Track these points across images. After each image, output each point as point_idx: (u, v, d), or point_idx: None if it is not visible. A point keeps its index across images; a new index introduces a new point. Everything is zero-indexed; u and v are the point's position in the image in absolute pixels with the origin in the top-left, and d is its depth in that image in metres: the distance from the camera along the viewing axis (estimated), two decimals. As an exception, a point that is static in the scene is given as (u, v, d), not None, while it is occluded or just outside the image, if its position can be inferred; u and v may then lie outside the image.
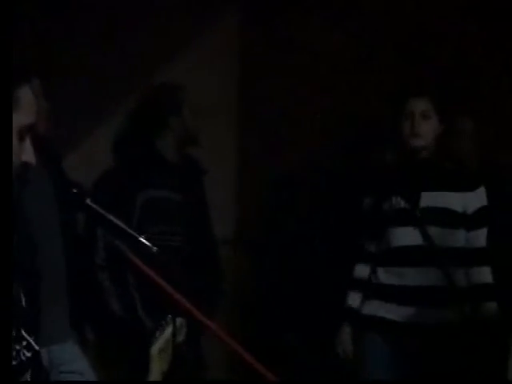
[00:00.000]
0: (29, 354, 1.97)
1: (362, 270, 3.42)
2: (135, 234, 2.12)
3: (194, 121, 3.71)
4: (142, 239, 2.11)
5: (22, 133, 1.91)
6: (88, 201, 2.11)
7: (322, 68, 4.60)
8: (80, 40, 3.87)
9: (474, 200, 3.25)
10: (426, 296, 3.31)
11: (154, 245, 2.13)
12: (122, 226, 2.11)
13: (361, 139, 4.26)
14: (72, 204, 2.17)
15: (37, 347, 2.02)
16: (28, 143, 1.92)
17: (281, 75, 4.67)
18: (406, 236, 3.29)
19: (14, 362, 1.94)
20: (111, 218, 2.11)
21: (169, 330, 2.34)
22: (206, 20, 4.57)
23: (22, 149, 1.90)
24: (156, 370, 2.34)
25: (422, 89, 3.42)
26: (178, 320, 2.33)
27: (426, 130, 3.22)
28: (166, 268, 2.30)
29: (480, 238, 3.27)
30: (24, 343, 1.97)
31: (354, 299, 3.40)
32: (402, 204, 3.26)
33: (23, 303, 2.02)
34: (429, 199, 3.26)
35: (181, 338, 2.38)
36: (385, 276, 3.35)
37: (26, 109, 1.93)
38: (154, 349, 2.32)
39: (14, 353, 1.95)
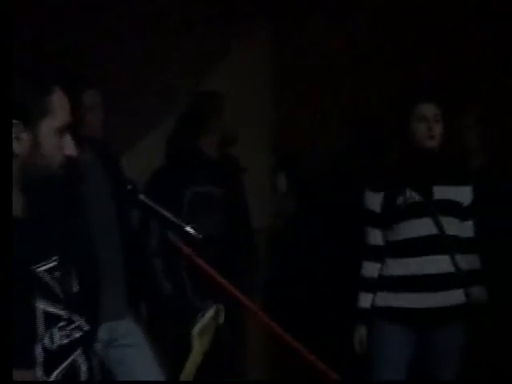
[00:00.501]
0: (78, 334, 2.06)
1: (371, 268, 3.39)
2: (182, 224, 2.16)
3: (233, 124, 3.88)
4: (188, 228, 2.16)
5: (59, 132, 1.99)
6: (141, 196, 2.18)
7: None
8: (132, 52, 3.86)
9: (469, 194, 3.36)
10: (442, 282, 3.32)
11: (199, 234, 2.16)
12: (171, 217, 2.16)
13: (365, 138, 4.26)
14: (127, 199, 2.22)
15: (86, 327, 2.10)
16: (68, 139, 2.01)
17: (307, 80, 4.63)
18: (423, 227, 3.31)
19: (66, 341, 2.03)
20: (161, 210, 2.16)
21: (210, 313, 2.44)
22: (241, 36, 4.59)
23: (62, 145, 2.00)
24: (197, 349, 2.44)
25: (431, 95, 3.45)
26: (219, 304, 2.42)
27: (438, 132, 3.31)
28: (209, 253, 2.33)
29: (472, 228, 3.36)
30: (75, 325, 2.06)
31: (365, 300, 3.38)
32: (417, 198, 3.31)
33: (74, 289, 2.11)
34: (440, 192, 3.33)
35: (221, 320, 2.47)
36: (400, 267, 3.35)
37: (59, 111, 2.00)
38: (195, 330, 2.42)
39: (67, 332, 2.03)
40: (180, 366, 2.38)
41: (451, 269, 3.34)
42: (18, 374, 1.87)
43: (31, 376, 1.93)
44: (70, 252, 2.09)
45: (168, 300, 3.75)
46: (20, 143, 1.95)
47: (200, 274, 2.28)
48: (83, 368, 2.07)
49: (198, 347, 2.41)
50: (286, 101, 4.78)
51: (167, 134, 3.95)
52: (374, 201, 3.39)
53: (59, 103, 1.99)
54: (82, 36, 3.68)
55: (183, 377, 2.35)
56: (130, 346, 3.40)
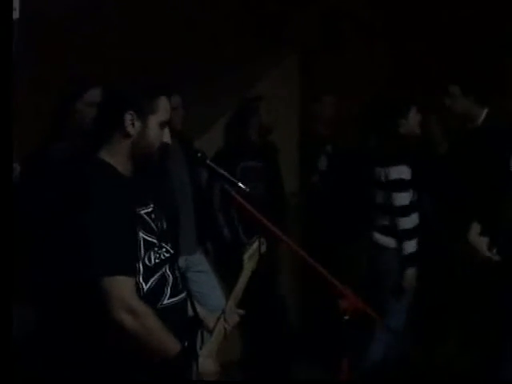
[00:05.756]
0: (167, 255, 2.26)
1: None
2: (236, 180, 2.39)
3: (269, 118, 4.42)
4: (239, 184, 2.38)
5: (161, 125, 2.18)
6: (208, 161, 2.40)
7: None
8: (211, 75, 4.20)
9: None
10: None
11: (247, 188, 2.39)
12: (229, 176, 2.40)
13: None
14: (198, 163, 2.39)
15: (172, 251, 2.28)
16: (166, 131, 2.20)
17: (326, 91, 5.04)
18: None
19: (157, 261, 2.19)
20: (222, 171, 2.39)
21: (256, 244, 2.56)
22: (272, 61, 5.00)
23: (162, 135, 2.20)
24: (247, 269, 2.53)
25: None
26: (262, 238, 2.54)
27: None
28: (255, 202, 2.49)
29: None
30: (164, 249, 2.26)
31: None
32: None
33: (164, 226, 2.30)
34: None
35: (263, 249, 2.58)
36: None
37: (163, 110, 2.19)
38: (245, 255, 2.54)
39: (158, 254, 2.21)
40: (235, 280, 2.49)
41: None
42: (119, 280, 2.03)
43: (128, 282, 2.08)
44: (161, 202, 2.32)
45: (226, 240, 4.28)
46: (134, 128, 2.17)
47: (247, 215, 2.41)
48: (170, 278, 2.26)
49: (248, 267, 2.53)
50: (307, 102, 5.14)
51: (226, 125, 4.50)
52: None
53: (164, 105, 2.22)
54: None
55: (238, 287, 2.49)
56: (201, 271, 3.80)
